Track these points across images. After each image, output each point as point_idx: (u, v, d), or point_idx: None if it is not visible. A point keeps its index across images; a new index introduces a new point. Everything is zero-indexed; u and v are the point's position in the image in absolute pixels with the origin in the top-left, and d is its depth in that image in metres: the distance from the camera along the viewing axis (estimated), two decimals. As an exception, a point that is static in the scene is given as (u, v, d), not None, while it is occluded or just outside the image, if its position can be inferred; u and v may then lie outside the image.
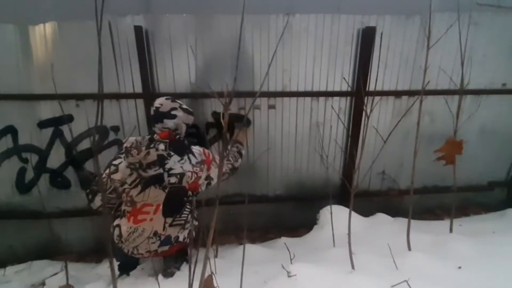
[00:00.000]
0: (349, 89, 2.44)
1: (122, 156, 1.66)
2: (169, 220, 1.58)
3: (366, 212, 2.51)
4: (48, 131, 2.33)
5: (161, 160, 1.58)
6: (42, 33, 2.17)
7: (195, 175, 1.65)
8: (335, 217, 2.08)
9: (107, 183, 1.70)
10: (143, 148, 1.54)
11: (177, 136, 1.73)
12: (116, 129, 2.37)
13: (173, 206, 1.60)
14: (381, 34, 2.28)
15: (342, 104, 2.51)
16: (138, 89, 2.28)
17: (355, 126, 2.51)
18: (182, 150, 1.68)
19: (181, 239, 1.60)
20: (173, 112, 1.76)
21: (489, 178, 2.88)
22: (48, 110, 2.29)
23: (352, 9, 2.35)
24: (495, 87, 2.58)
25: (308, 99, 2.47)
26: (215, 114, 2.41)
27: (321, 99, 2.48)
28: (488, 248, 1.64)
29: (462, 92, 1.94)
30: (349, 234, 1.56)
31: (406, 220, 2.42)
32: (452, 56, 2.45)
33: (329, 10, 2.32)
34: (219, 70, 2.30)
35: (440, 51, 2.40)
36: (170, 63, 2.30)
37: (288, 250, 1.54)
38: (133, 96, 2.29)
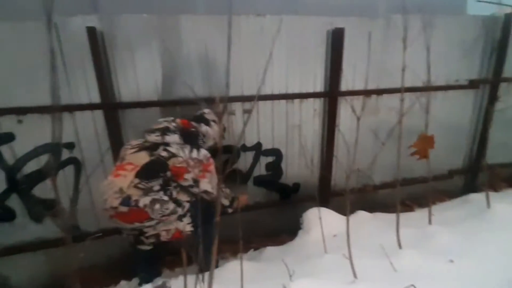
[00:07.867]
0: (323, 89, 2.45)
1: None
2: (136, 181, 1.58)
3: (345, 210, 2.52)
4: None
5: (164, 130, 1.75)
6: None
7: (185, 165, 1.67)
8: (317, 219, 2.04)
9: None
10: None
11: (194, 130, 1.89)
12: (70, 146, 2.06)
13: (147, 172, 1.62)
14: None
15: (317, 106, 2.51)
16: (95, 99, 2.01)
17: (330, 126, 2.52)
18: (189, 140, 1.81)
19: (140, 204, 1.55)
20: (212, 123, 1.98)
21: (448, 167, 3.11)
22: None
23: (319, 11, 2.37)
24: (450, 83, 2.80)
25: (283, 102, 2.41)
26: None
27: (296, 101, 2.45)
28: (468, 235, 1.73)
29: (429, 88, 2.04)
30: (348, 241, 1.50)
31: (384, 215, 2.50)
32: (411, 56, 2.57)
33: (296, 12, 2.31)
34: (187, 75, 2.13)
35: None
36: (132, 69, 2.06)
37: (287, 267, 1.44)
38: (90, 107, 2.01)
